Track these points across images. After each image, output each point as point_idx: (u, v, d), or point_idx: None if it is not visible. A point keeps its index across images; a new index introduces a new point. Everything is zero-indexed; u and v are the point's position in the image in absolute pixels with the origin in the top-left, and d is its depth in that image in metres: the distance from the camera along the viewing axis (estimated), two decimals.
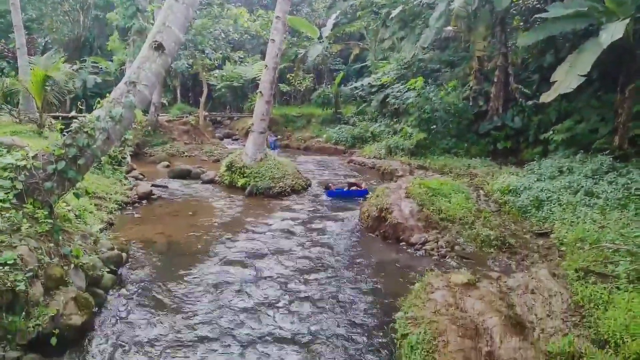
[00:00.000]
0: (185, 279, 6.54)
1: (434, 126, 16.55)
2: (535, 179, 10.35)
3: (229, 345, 4.93)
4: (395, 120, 20.22)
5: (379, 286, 6.48)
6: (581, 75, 9.90)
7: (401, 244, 8.21)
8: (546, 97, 10.75)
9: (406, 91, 18.38)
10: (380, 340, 5.06)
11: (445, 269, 6.75)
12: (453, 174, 13.02)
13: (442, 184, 10.22)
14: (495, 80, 15.99)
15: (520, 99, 15.38)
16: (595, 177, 9.45)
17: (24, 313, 4.61)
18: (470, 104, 17.09)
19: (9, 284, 4.52)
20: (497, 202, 10.03)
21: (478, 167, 13.74)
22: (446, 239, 8.09)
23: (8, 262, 4.63)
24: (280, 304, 5.85)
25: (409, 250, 7.99)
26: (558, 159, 11.68)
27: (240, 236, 8.49)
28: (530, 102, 15.04)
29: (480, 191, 10.93)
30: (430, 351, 4.02)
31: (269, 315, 5.58)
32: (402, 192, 9.70)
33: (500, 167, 13.63)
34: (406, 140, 16.96)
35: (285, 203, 11.24)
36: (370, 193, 10.44)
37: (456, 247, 7.84)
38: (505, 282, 5.85)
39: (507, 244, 7.75)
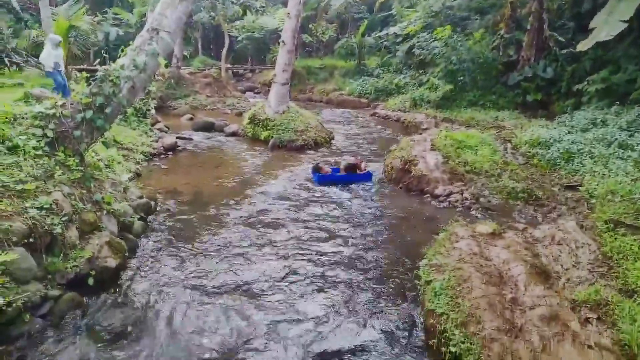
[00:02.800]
0: (210, 227, 6.70)
1: (461, 77, 16.02)
2: (567, 132, 10.03)
3: (251, 289, 5.09)
4: (420, 71, 19.63)
5: (402, 236, 6.52)
6: (622, 22, 9.30)
7: (425, 195, 8.18)
8: (583, 45, 10.22)
9: (433, 41, 17.71)
10: (403, 286, 5.15)
11: (470, 220, 6.72)
12: (480, 127, 12.71)
13: (469, 136, 10.01)
14: (529, 27, 15.20)
15: (554, 48, 14.65)
16: (631, 129, 9.08)
17: (62, 255, 4.83)
18: (500, 53, 16.39)
19: (46, 227, 4.70)
20: (525, 155, 9.79)
21: (506, 119, 13.36)
22: (471, 191, 8.00)
23: (44, 206, 4.80)
24: (303, 252, 5.96)
25: (433, 202, 7.96)
26: (591, 110, 11.24)
27: (264, 188, 8.58)
28: (564, 51, 14.31)
29: (508, 144, 10.67)
30: (454, 297, 4.06)
31: (293, 261, 5.71)
32: (427, 144, 9.57)
33: (529, 119, 13.21)
34: (432, 93, 16.52)
35: (308, 156, 11.23)
36: (373, 177, 9.13)
37: (481, 199, 7.76)
38: (531, 233, 5.78)
39: (534, 197, 7.63)
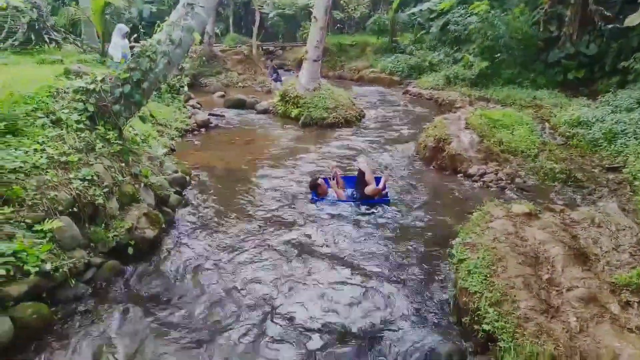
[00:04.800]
0: (243, 202, 6.81)
1: (498, 54, 15.45)
2: (610, 111, 9.60)
3: (283, 261, 5.18)
4: (455, 48, 19.05)
5: (433, 214, 6.46)
6: None
7: (458, 175, 8.04)
8: (631, 20, 9.70)
9: (469, 16, 17.10)
10: (435, 264, 5.14)
11: (504, 201, 6.57)
12: (517, 106, 12.31)
13: (505, 115, 9.72)
14: (572, 1, 14.45)
15: (599, 23, 13.90)
16: None
17: (103, 225, 5.03)
18: (540, 29, 15.68)
19: (89, 198, 4.89)
20: (564, 135, 9.46)
21: (545, 98, 12.88)
22: (506, 171, 7.82)
23: (87, 177, 4.98)
24: (335, 228, 6.00)
25: (466, 182, 7.82)
26: (638, 89, 10.68)
27: (295, 165, 8.62)
28: (610, 27, 13.57)
29: (546, 124, 10.32)
30: (489, 275, 4.02)
31: (325, 237, 5.76)
32: (461, 123, 9.35)
33: (569, 99, 12.69)
34: (467, 70, 16.04)
35: (338, 134, 11.18)
36: (391, 200, 6.82)
37: (517, 180, 7.58)
38: (569, 215, 5.62)
39: (572, 178, 7.40)
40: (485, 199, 6.07)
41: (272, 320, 4.17)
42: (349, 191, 6.97)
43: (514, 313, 3.57)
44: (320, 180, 6.96)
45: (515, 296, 3.73)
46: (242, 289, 4.64)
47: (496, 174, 7.78)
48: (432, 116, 11.96)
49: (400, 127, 11.86)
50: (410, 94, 16.92)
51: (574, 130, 9.36)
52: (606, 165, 7.82)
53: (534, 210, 5.29)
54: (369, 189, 6.66)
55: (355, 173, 7.18)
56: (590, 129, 9.06)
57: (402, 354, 3.76)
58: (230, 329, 4.06)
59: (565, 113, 10.40)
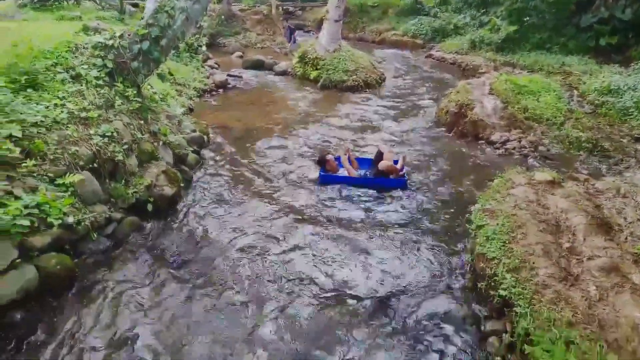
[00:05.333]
0: (261, 163, 6.80)
1: (527, 18, 14.78)
2: None
3: (295, 224, 5.20)
4: (482, 11, 18.27)
5: (453, 180, 6.37)
6: None
7: (480, 142, 7.87)
8: None
9: None
10: (453, 230, 5.10)
11: (527, 169, 6.42)
12: (544, 72, 11.85)
13: (531, 81, 9.37)
14: None
15: None
16: None
17: (123, 181, 5.08)
18: None
19: (109, 154, 4.93)
20: (593, 103, 9.10)
21: (574, 64, 12.34)
22: (530, 139, 7.61)
23: (106, 134, 5.01)
24: (353, 192, 5.97)
25: (488, 148, 7.65)
26: None
27: (313, 127, 8.52)
28: None
29: (574, 91, 9.93)
30: (508, 242, 3.96)
31: (341, 200, 5.75)
32: (485, 89, 9.08)
33: (600, 65, 12.14)
34: (493, 34, 15.42)
35: (358, 97, 10.97)
36: (408, 182, 6.16)
37: (540, 148, 7.38)
38: (593, 184, 5.47)
39: (599, 147, 7.17)
40: (507, 166, 5.94)
41: (284, 278, 4.23)
42: (362, 172, 6.40)
43: (532, 280, 3.53)
44: (329, 156, 6.41)
45: (534, 263, 3.68)
46: (255, 248, 4.70)
47: (519, 142, 7.59)
48: (455, 81, 11.63)
49: (422, 92, 11.58)
50: (433, 58, 16.43)
51: (603, 99, 8.99)
52: (635, 135, 7.54)
53: (558, 179, 5.15)
54: (383, 164, 6.13)
55: (371, 156, 6.72)
56: (621, 98, 8.69)
57: (417, 317, 3.79)
58: (244, 283, 4.15)
59: (596, 80, 9.97)
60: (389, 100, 10.70)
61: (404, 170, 6.32)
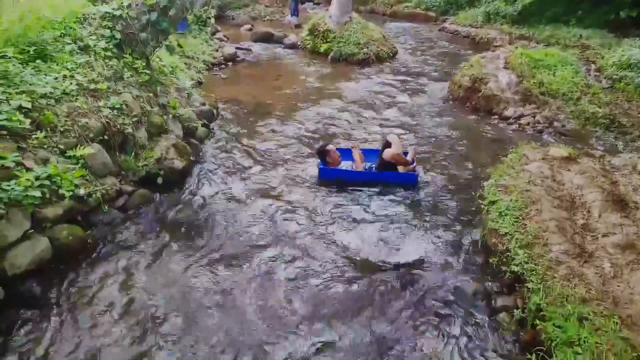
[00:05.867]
0: (270, 136, 6.75)
1: None
2: None
3: (305, 196, 5.21)
4: None
5: (465, 155, 6.29)
6: None
7: (493, 117, 7.72)
8: None
9: None
10: (464, 205, 5.05)
11: (541, 145, 6.31)
12: (561, 46, 11.51)
13: (547, 54, 9.11)
14: None
15: None
16: None
17: (133, 154, 5.08)
18: None
19: (118, 127, 4.91)
20: (611, 78, 8.83)
21: (592, 38, 11.97)
22: (545, 114, 7.45)
23: (116, 106, 4.97)
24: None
25: (501, 124, 7.52)
26: None
27: (323, 102, 8.40)
28: None
29: (592, 65, 9.64)
30: (521, 218, 3.91)
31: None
32: (500, 62, 8.85)
33: (619, 39, 11.75)
34: (508, 6, 14.95)
35: (369, 71, 10.77)
36: (419, 178, 5.55)
37: (555, 124, 7.23)
38: (609, 160, 5.36)
39: (616, 123, 7.01)
40: (521, 142, 5.83)
41: (293, 252, 4.24)
42: (367, 164, 5.73)
43: (545, 256, 3.49)
44: (330, 146, 5.69)
45: (547, 239, 3.64)
46: (266, 222, 4.69)
47: (534, 117, 7.43)
48: (469, 55, 11.36)
49: (434, 66, 11.33)
50: (446, 31, 16.02)
51: (622, 73, 8.71)
52: None
53: (573, 154, 5.05)
54: (388, 152, 5.36)
55: (379, 147, 5.95)
56: None
57: (428, 291, 3.78)
58: (253, 255, 4.17)
59: (614, 54, 9.65)
60: (401, 74, 10.49)
61: (415, 165, 5.67)
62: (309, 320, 3.45)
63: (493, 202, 4.30)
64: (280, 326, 3.40)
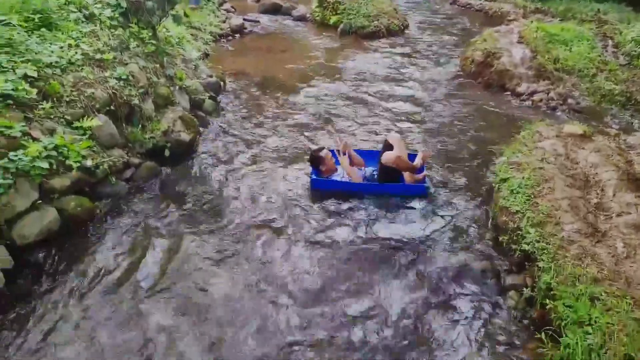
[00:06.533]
0: (277, 110, 6.66)
1: None
2: None
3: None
4: None
5: (476, 132, 6.17)
6: None
7: (505, 93, 7.55)
8: None
9: None
10: (474, 182, 4.97)
11: (554, 122, 6.18)
12: (577, 20, 11.16)
13: (563, 29, 8.84)
14: None
15: None
16: None
17: (140, 126, 5.02)
18: None
19: (125, 98, 4.84)
20: (629, 54, 8.56)
21: (610, 12, 11.59)
22: (559, 90, 7.26)
23: (122, 77, 4.89)
24: (372, 137, 5.84)
25: (514, 100, 7.35)
26: None
27: (331, 76, 8.24)
28: None
29: (609, 41, 9.33)
30: (533, 196, 3.84)
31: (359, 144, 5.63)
32: (514, 37, 8.61)
33: (638, 14, 11.39)
34: None
35: (379, 44, 10.52)
36: (429, 186, 4.73)
37: (569, 100, 7.05)
38: (624, 139, 5.24)
39: (632, 101, 6.83)
40: (534, 118, 5.71)
41: (299, 225, 4.22)
42: (368, 170, 4.88)
43: (556, 235, 3.44)
44: (324, 152, 4.76)
45: (559, 218, 3.58)
46: (272, 196, 4.67)
47: (547, 94, 7.26)
48: (481, 29, 11.06)
49: (446, 40, 11.05)
50: (458, 5, 15.57)
51: None
52: None
53: (588, 132, 4.94)
54: (388, 156, 4.47)
55: (379, 148, 5.09)
56: None
57: (436, 268, 3.75)
58: (257, 228, 4.18)
59: (632, 30, 9.35)
60: (412, 48, 10.25)
61: (424, 173, 4.86)
62: (311, 294, 3.46)
63: (504, 180, 4.23)
64: (286, 297, 3.41)
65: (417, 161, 4.81)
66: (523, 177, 4.07)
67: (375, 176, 4.75)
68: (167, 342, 3.01)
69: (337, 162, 4.84)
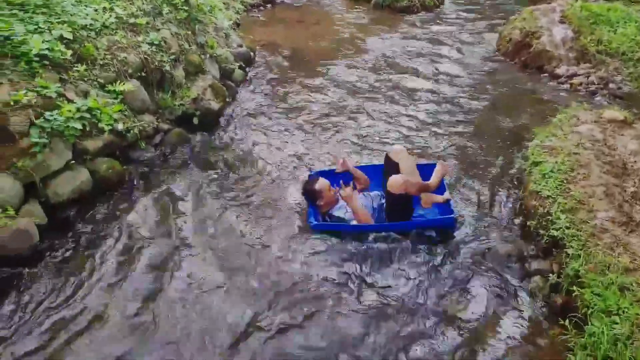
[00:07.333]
0: (305, 85, 6.59)
1: None
2: None
3: (337, 143, 5.15)
4: None
5: (509, 113, 5.99)
6: None
7: (543, 74, 7.26)
8: None
9: None
10: (503, 165, 4.85)
11: (593, 107, 5.94)
12: (625, 0, 10.56)
13: (610, 9, 8.36)
14: None
15: None
16: None
17: (170, 92, 5.06)
18: None
19: (157, 63, 4.87)
20: None
21: None
22: (600, 74, 6.94)
23: (154, 42, 4.91)
24: (402, 117, 5.75)
25: (551, 82, 7.07)
26: None
27: (361, 50, 8.08)
28: None
29: None
30: (566, 181, 3.73)
31: (388, 123, 5.57)
32: (555, 16, 8.21)
33: None
34: None
35: (413, 19, 10.22)
36: (456, 215, 3.86)
37: (610, 85, 6.73)
38: None
39: None
40: (571, 102, 5.49)
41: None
42: (375, 196, 3.99)
43: (588, 222, 3.34)
44: (321, 183, 3.81)
45: (593, 205, 3.46)
46: (296, 167, 4.69)
47: (587, 77, 6.95)
48: (521, 7, 10.59)
49: (483, 17, 10.65)
50: None
51: None
52: None
53: (629, 119, 4.72)
54: (395, 183, 3.57)
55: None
56: None
57: (459, 249, 3.70)
58: (282, 197, 4.26)
59: None
60: (446, 24, 9.92)
61: (447, 194, 3.92)
62: (334, 267, 3.48)
63: (537, 164, 4.10)
64: (310, 269, 3.44)
65: (434, 179, 3.87)
66: (556, 162, 3.94)
67: (383, 203, 3.88)
68: (196, 293, 3.15)
69: (343, 179, 3.85)
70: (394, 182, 3.59)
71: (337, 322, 3.01)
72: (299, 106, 5.94)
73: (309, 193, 3.87)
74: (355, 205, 3.73)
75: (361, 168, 4.24)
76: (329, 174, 4.06)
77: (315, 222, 3.78)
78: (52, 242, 3.45)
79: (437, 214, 3.94)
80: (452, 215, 3.78)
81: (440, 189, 3.94)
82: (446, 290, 3.33)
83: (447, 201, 3.87)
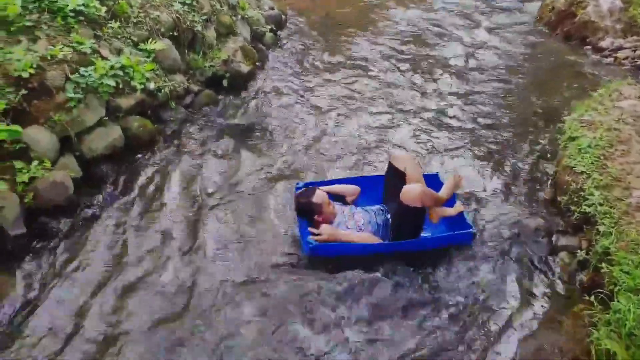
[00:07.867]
0: (337, 53, 6.46)
1: None
2: None
3: (364, 115, 5.08)
4: None
5: (546, 86, 5.78)
6: None
7: (586, 47, 6.90)
8: None
9: None
10: (538, 138, 4.72)
11: (638, 82, 5.64)
12: None
13: None
14: None
15: None
16: None
17: (201, 53, 5.06)
18: None
19: (188, 23, 4.85)
20: None
21: None
22: None
23: (187, 1, 4.88)
24: (435, 91, 5.61)
25: (594, 55, 6.71)
26: None
27: (395, 20, 7.75)
28: None
29: None
30: (603, 157, 3.59)
31: (421, 97, 5.45)
32: None
33: None
34: None
35: None
36: (475, 229, 3.41)
37: None
38: None
39: None
40: (615, 76, 5.24)
41: (353, 155, 4.29)
42: (374, 209, 3.44)
43: (623, 200, 3.22)
44: (318, 196, 3.26)
45: (630, 183, 3.33)
46: (326, 134, 4.68)
47: (634, 51, 6.56)
48: None
49: None
50: None
51: None
52: None
53: None
54: (410, 194, 3.07)
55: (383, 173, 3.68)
56: None
57: (488, 221, 3.65)
58: (309, 162, 4.29)
59: None
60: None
61: (459, 205, 3.52)
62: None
63: (573, 138, 3.96)
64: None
65: (445, 191, 3.44)
66: (595, 137, 3.78)
67: (388, 218, 3.37)
68: (219, 246, 3.28)
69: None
70: (411, 192, 3.08)
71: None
72: (327, 75, 5.84)
73: (306, 206, 3.26)
74: (350, 236, 3.19)
75: (351, 180, 3.74)
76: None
77: (315, 243, 3.08)
78: (86, 195, 3.56)
79: (444, 230, 3.50)
80: (470, 230, 3.34)
81: (451, 201, 3.51)
82: (469, 262, 3.30)
83: (461, 215, 3.46)
